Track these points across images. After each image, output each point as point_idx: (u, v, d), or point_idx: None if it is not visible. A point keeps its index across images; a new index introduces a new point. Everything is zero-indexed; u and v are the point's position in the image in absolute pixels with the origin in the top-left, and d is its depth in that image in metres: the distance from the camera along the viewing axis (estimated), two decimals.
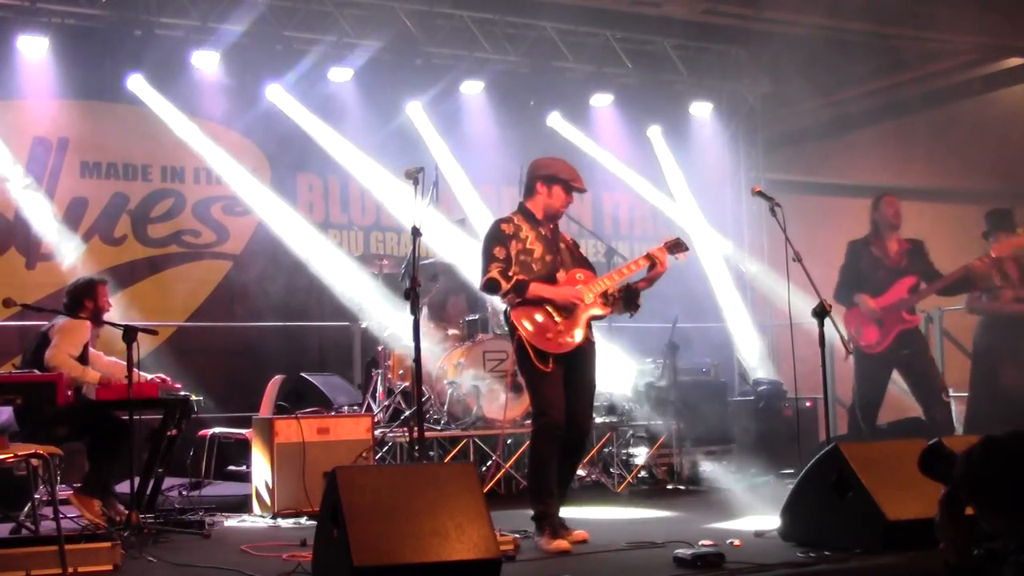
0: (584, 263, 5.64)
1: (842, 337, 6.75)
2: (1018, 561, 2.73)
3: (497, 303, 6.23)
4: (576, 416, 5.39)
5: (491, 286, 5.34)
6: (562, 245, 5.59)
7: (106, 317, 6.40)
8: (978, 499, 2.82)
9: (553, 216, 5.56)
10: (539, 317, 5.32)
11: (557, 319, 5.32)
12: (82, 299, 6.39)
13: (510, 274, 5.33)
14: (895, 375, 7.97)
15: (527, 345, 5.27)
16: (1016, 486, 2.74)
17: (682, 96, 11.15)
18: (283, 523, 6.35)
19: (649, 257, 5.54)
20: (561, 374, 5.33)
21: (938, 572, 2.98)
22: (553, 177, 5.51)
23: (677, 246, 5.70)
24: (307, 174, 9.78)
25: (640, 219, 11.13)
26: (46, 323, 6.41)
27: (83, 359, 6.25)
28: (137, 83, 8.85)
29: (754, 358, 10.78)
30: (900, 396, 8.25)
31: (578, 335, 5.35)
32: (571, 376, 5.38)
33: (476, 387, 7.41)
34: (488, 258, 5.38)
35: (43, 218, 8.63)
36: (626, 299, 5.56)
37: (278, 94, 9.40)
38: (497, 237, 5.43)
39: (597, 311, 5.47)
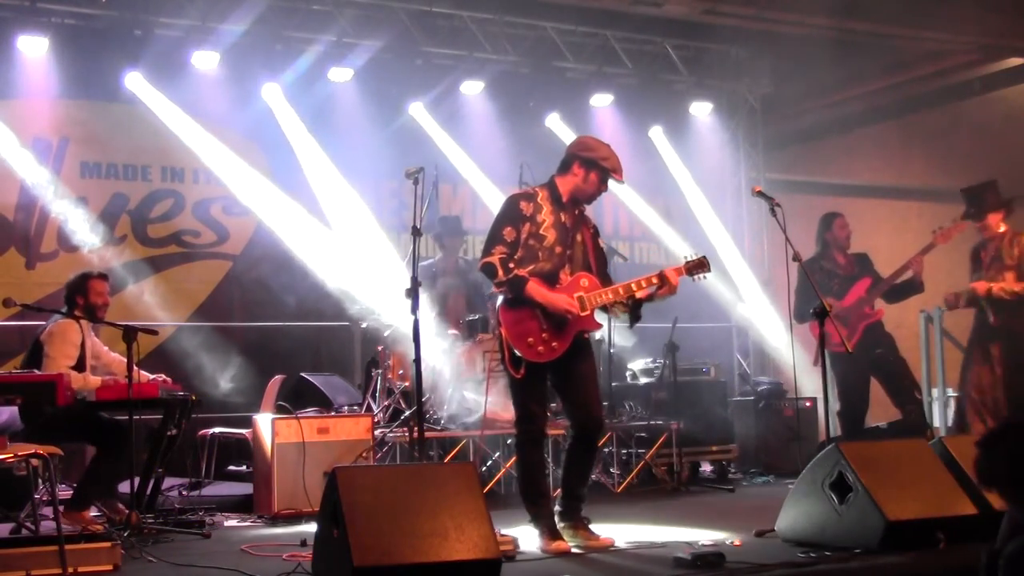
0: (599, 258, 5.36)
1: (841, 336, 6.77)
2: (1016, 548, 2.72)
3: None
4: (584, 410, 5.24)
5: (488, 270, 5.12)
6: (579, 237, 5.30)
7: (107, 316, 6.38)
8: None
9: (579, 200, 5.29)
10: (525, 318, 5.10)
11: (544, 325, 5.11)
12: (73, 296, 6.38)
13: (511, 265, 5.10)
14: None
15: (505, 344, 5.14)
16: None
17: (682, 96, 11.15)
18: (283, 523, 6.35)
19: (661, 277, 5.23)
20: (542, 380, 5.21)
21: (938, 572, 2.98)
22: (593, 162, 5.22)
23: (700, 267, 5.36)
24: (307, 174, 9.75)
25: (641, 220, 11.12)
26: (43, 323, 6.41)
27: (81, 361, 6.23)
28: (137, 83, 8.85)
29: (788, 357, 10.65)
30: None
31: (560, 347, 5.13)
32: (563, 377, 5.25)
33: (476, 386, 7.40)
34: (495, 238, 5.15)
35: (52, 215, 8.67)
36: (631, 309, 5.32)
37: (275, 96, 9.38)
38: (511, 215, 5.18)
39: (589, 325, 5.26)
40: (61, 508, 5.84)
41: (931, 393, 9.33)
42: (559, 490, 5.41)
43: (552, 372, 5.24)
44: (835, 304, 7.73)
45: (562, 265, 5.23)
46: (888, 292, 8.04)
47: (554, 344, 5.13)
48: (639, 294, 5.26)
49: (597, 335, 7.45)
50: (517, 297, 5.11)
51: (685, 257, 5.46)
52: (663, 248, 11.05)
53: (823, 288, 7.67)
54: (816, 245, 8.19)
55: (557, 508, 5.33)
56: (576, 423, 5.31)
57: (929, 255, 7.82)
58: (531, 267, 5.18)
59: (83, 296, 6.37)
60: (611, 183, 5.36)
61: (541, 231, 5.21)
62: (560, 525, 5.25)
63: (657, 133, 11.05)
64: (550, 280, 5.19)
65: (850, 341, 7.65)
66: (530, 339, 5.11)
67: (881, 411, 8.35)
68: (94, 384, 6.10)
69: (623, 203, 10.87)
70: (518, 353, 5.11)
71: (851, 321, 7.91)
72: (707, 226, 11.07)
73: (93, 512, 6.14)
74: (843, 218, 8.23)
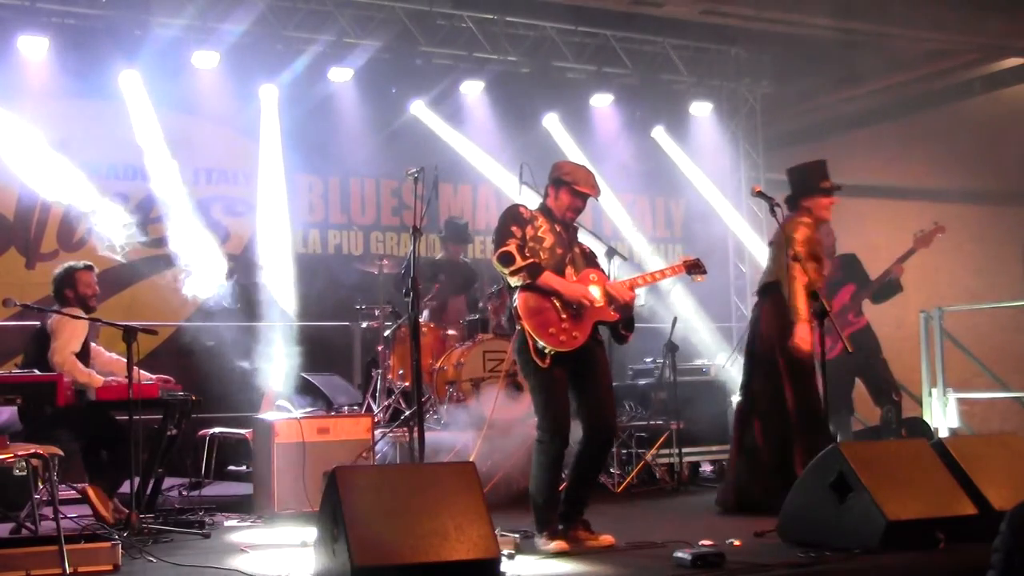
0: (600, 269, 5.50)
1: (841, 336, 6.78)
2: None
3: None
4: (598, 416, 5.26)
5: (505, 258, 5.19)
6: (576, 249, 5.47)
7: (106, 317, 6.38)
8: None
9: (563, 220, 5.45)
10: (544, 308, 5.19)
11: (563, 315, 5.19)
12: (62, 290, 6.39)
13: (526, 253, 5.22)
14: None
15: (528, 335, 5.18)
16: None
17: (682, 96, 11.16)
18: (283, 523, 6.35)
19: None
20: (564, 377, 5.23)
21: (938, 572, 2.98)
22: (558, 180, 5.43)
23: (696, 267, 5.57)
24: (307, 174, 9.78)
25: (640, 219, 11.13)
26: (40, 321, 6.41)
27: (84, 354, 6.26)
28: (137, 83, 8.86)
29: None
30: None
31: (581, 336, 5.21)
32: (581, 377, 5.28)
33: (476, 387, 7.40)
34: (505, 233, 5.26)
35: (52, 215, 8.67)
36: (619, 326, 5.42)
37: (277, 95, 9.39)
38: (515, 217, 5.33)
39: (606, 316, 5.33)
40: (91, 488, 5.91)
41: (931, 393, 9.34)
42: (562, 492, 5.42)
43: (570, 371, 5.27)
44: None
45: (564, 264, 5.34)
46: (874, 294, 8.14)
47: (575, 333, 5.21)
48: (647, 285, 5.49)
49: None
50: (533, 282, 5.19)
51: (682, 258, 5.66)
52: (663, 248, 11.07)
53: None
54: None
55: (561, 510, 5.32)
56: (588, 428, 5.31)
57: (946, 254, 7.86)
58: None
59: (72, 289, 6.37)
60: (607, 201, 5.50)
61: (540, 234, 5.35)
62: (560, 527, 5.26)
63: (660, 133, 11.06)
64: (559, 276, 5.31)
65: (834, 350, 7.68)
66: (551, 329, 5.18)
67: (870, 411, 8.35)
68: (97, 382, 6.12)
69: (623, 202, 10.87)
70: (542, 343, 5.15)
71: (834, 329, 7.86)
72: (714, 222, 11.07)
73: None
74: (828, 225, 8.16)
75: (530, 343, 5.17)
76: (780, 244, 6.25)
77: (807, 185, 6.52)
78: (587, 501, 5.39)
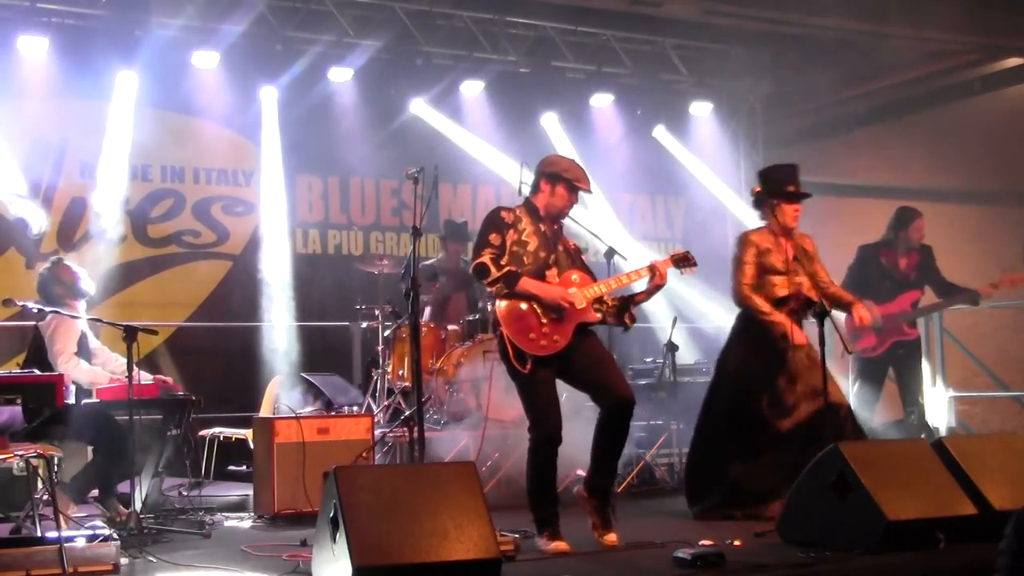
0: (583, 268, 5.48)
1: (841, 336, 6.77)
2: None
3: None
4: (609, 392, 5.26)
5: (480, 271, 5.20)
6: (561, 247, 5.44)
7: (107, 317, 6.40)
8: None
9: (555, 216, 5.43)
10: (524, 314, 5.17)
11: (543, 319, 5.17)
12: (51, 288, 6.38)
13: (502, 263, 5.20)
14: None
15: (507, 342, 5.17)
16: None
17: (682, 96, 11.16)
18: (283, 523, 6.35)
19: (651, 268, 5.37)
20: (550, 378, 5.22)
21: (938, 572, 2.97)
22: (557, 175, 5.39)
23: (684, 260, 5.52)
24: (307, 174, 9.79)
25: (640, 219, 11.13)
26: (35, 321, 6.41)
27: (84, 350, 6.30)
28: (136, 83, 8.85)
29: None
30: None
31: (562, 339, 5.18)
32: (573, 368, 5.27)
33: (476, 386, 7.40)
34: (482, 243, 5.26)
35: (45, 219, 8.66)
36: (619, 310, 5.40)
37: (277, 95, 9.40)
38: (494, 223, 5.32)
39: (588, 317, 5.30)
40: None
41: (931, 393, 9.34)
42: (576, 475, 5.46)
43: (561, 369, 5.26)
44: (873, 308, 7.32)
45: (547, 267, 5.33)
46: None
47: (555, 337, 5.19)
48: (636, 287, 5.44)
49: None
50: (511, 291, 5.17)
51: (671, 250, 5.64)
52: (664, 248, 11.07)
53: (874, 285, 7.66)
54: (885, 233, 7.97)
55: (586, 477, 5.37)
56: (604, 407, 5.31)
57: (946, 255, 7.84)
58: (519, 269, 5.27)
59: (59, 284, 6.39)
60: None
61: (523, 238, 5.34)
62: (584, 493, 5.33)
63: (661, 132, 11.06)
64: (539, 279, 5.28)
65: (877, 351, 7.66)
66: (532, 334, 5.17)
67: (886, 409, 8.36)
68: (102, 380, 6.16)
69: (623, 202, 10.88)
70: (521, 348, 5.15)
71: (884, 331, 7.73)
72: (715, 222, 11.08)
73: (72, 511, 6.14)
74: (922, 219, 7.93)
75: (510, 349, 5.17)
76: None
77: (771, 189, 6.15)
78: (615, 473, 5.47)
